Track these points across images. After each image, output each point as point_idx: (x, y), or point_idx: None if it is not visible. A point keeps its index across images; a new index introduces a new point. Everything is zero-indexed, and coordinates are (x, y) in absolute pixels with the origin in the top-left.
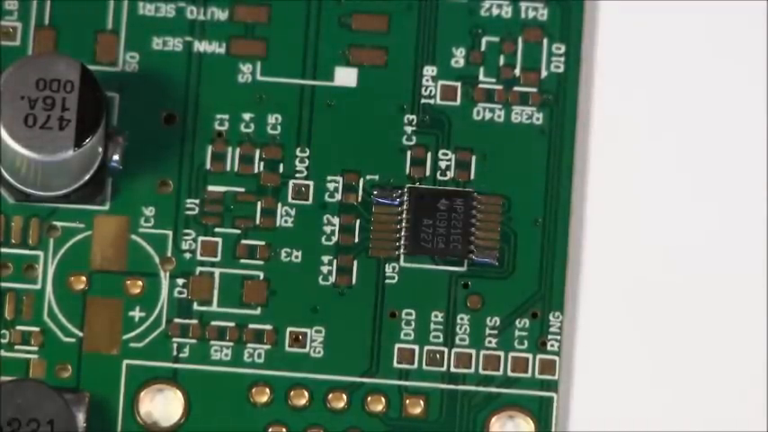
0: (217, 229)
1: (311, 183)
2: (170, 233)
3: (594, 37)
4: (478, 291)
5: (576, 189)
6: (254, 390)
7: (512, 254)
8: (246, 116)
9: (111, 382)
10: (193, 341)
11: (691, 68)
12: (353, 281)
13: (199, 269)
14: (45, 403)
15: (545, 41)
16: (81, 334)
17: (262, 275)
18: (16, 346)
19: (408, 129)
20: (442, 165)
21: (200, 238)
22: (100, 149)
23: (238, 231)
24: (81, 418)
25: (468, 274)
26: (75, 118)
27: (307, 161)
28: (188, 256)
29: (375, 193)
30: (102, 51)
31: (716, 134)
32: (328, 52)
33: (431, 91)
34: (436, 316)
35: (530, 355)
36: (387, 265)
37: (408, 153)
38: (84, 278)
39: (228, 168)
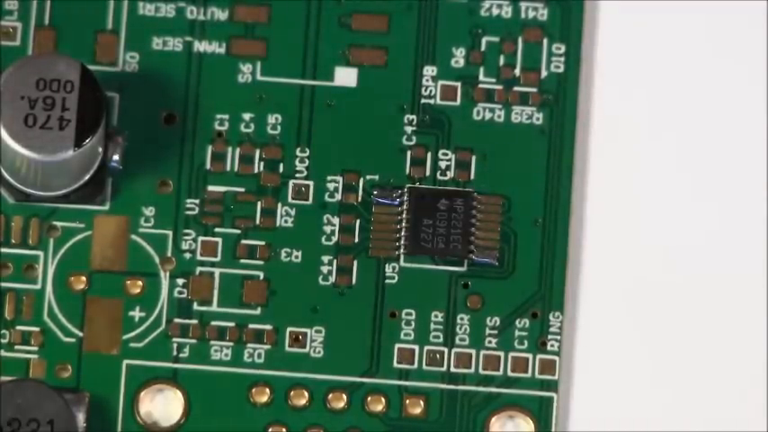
0: (217, 229)
1: (311, 183)
2: (170, 233)
3: (594, 37)
4: (478, 291)
5: (576, 189)
6: (254, 390)
7: (512, 254)
8: (246, 116)
9: (111, 382)
10: (193, 341)
11: (691, 68)
12: (353, 281)
13: (199, 269)
14: (45, 403)
15: (545, 41)
16: (81, 334)
17: (262, 275)
18: (16, 346)
19: (408, 129)
20: (442, 165)
21: (200, 238)
22: (100, 149)
23: (238, 231)
24: (81, 418)
25: (468, 274)
26: (75, 118)
27: (307, 161)
28: (188, 256)
29: (375, 193)
30: (102, 51)
31: (716, 134)
32: (328, 52)
33: (431, 91)
34: (436, 316)
35: (530, 355)
36: (387, 265)
37: (408, 153)
38: (84, 278)
39: (228, 168)
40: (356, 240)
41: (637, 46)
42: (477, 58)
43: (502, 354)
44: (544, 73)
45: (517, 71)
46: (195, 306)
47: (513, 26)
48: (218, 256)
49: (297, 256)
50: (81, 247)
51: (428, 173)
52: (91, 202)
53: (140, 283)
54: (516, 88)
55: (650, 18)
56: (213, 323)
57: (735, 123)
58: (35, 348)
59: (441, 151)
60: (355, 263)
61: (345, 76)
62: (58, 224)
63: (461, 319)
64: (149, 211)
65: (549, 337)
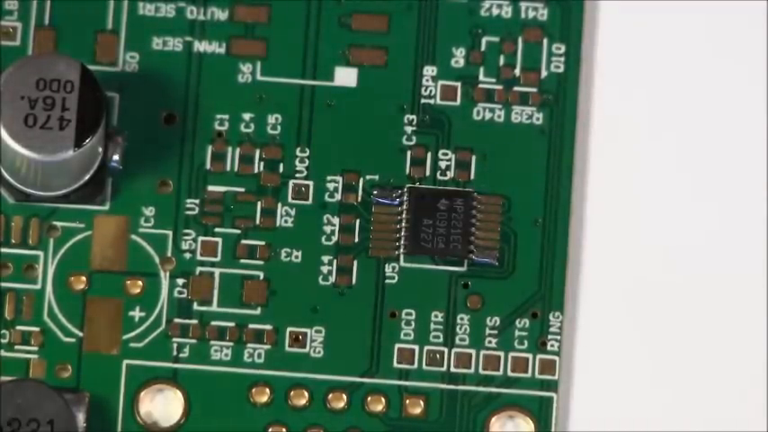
0: (217, 229)
1: (311, 183)
2: (170, 233)
3: (594, 37)
4: (478, 291)
5: (576, 189)
6: (254, 390)
7: (512, 254)
8: (246, 116)
9: (111, 382)
10: (193, 341)
11: (691, 68)
12: (353, 281)
13: (199, 269)
14: (45, 403)
15: (545, 41)
16: (81, 334)
17: (262, 275)
18: (16, 346)
19: (408, 129)
20: (442, 165)
21: (200, 238)
22: (100, 149)
23: (238, 231)
24: (81, 418)
25: (468, 274)
26: (75, 118)
27: (307, 161)
28: (188, 256)
29: (375, 193)
30: (102, 51)
31: (716, 134)
32: (328, 52)
33: (431, 91)
34: (436, 316)
35: (530, 355)
36: (387, 265)
37: (408, 153)
38: (84, 278)
39: (228, 168)
40: (356, 240)
41: (637, 46)
42: (477, 58)
43: (502, 354)
44: (544, 73)
45: (517, 71)
46: (195, 306)
47: (513, 26)
48: (218, 256)
49: (297, 256)
50: (81, 247)
51: (428, 173)
52: (91, 202)
53: (140, 283)
54: (516, 88)
55: (650, 18)
56: (213, 323)
57: (735, 123)
58: (35, 348)
59: (441, 151)
60: (355, 263)
61: (345, 76)
62: (58, 224)
63: (461, 319)
64: (149, 211)
65: (549, 337)
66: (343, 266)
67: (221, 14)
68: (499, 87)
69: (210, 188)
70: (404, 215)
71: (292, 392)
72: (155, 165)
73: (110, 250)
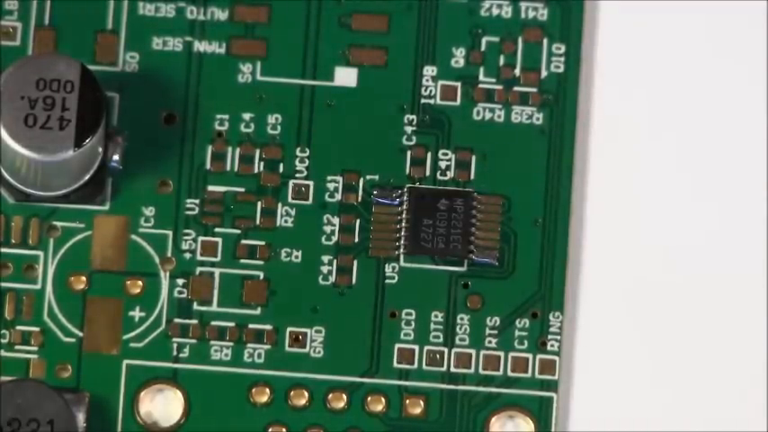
0: (217, 229)
1: (311, 183)
2: (170, 233)
3: (594, 37)
4: (478, 291)
5: (576, 189)
6: (254, 390)
7: (512, 254)
8: (246, 116)
9: (111, 382)
10: (193, 341)
11: (691, 68)
12: (353, 281)
13: (199, 269)
14: (45, 403)
15: (545, 41)
16: (81, 334)
17: (262, 275)
18: (16, 346)
19: (408, 129)
20: (442, 165)
21: (200, 238)
22: (100, 149)
23: (238, 231)
24: (81, 418)
25: (468, 274)
26: (75, 118)
27: (307, 161)
28: (188, 256)
29: (375, 193)
30: (102, 51)
31: (716, 134)
32: (328, 52)
33: (431, 91)
34: (436, 316)
35: (530, 355)
36: (387, 265)
37: (408, 153)
38: (84, 278)
39: (228, 168)
40: (356, 240)
41: (637, 46)
42: (477, 58)
43: (502, 354)
44: (544, 73)
45: (517, 71)
46: (195, 306)
47: (513, 26)
48: (218, 256)
49: (297, 256)
50: (81, 247)
51: (428, 173)
52: (91, 202)
53: (140, 283)
54: (516, 88)
55: (650, 18)
56: (213, 323)
57: (735, 123)
58: (35, 348)
59: (441, 151)
60: (355, 263)
61: (345, 76)
62: (58, 224)
63: (461, 319)
64: (149, 211)
65: (549, 337)
66: (343, 266)
67: (221, 14)
68: (499, 87)
69: (210, 188)
70: (404, 215)
71: (292, 392)
72: (155, 165)
73: (110, 250)
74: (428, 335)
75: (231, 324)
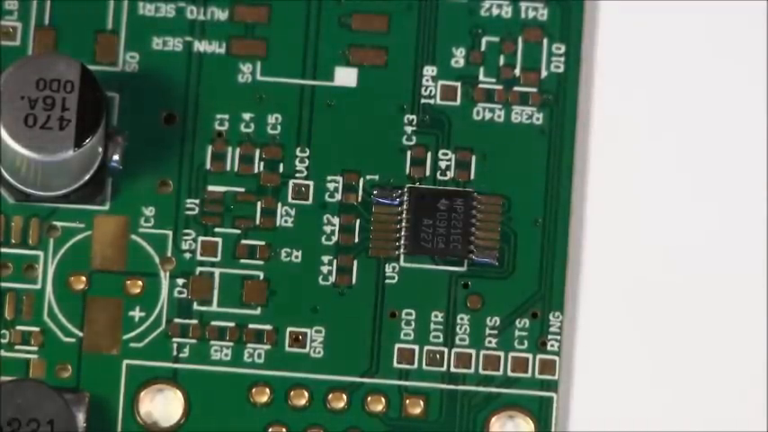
0: (217, 229)
1: (311, 183)
2: (170, 233)
3: (594, 37)
4: (478, 291)
5: (576, 189)
6: (254, 390)
7: (512, 254)
8: (246, 116)
9: (111, 382)
10: (193, 341)
11: (691, 68)
12: (353, 281)
13: (199, 269)
14: (45, 403)
15: (545, 41)
16: (81, 334)
17: (262, 275)
18: (16, 346)
19: (408, 129)
20: (442, 165)
21: (200, 238)
22: (100, 149)
23: (238, 231)
24: (81, 418)
25: (468, 274)
26: (75, 118)
27: (307, 161)
28: (188, 256)
29: (375, 193)
30: (102, 51)
31: (716, 134)
32: (328, 52)
33: (431, 91)
34: (436, 316)
35: (530, 355)
36: (387, 265)
37: (408, 153)
38: (84, 278)
39: (228, 168)
40: (356, 240)
41: (637, 46)
42: (477, 58)
43: (502, 354)
44: (544, 73)
45: (517, 71)
46: (195, 306)
47: (513, 26)
48: (218, 256)
49: (297, 256)
50: (81, 247)
51: (428, 173)
52: (91, 202)
53: (140, 283)
54: (516, 88)
55: (650, 18)
56: (213, 323)
57: (735, 123)
58: (35, 348)
59: (441, 151)
60: (355, 263)
61: (345, 76)
62: (58, 224)
63: (461, 319)
64: (149, 211)
65: (549, 337)
66: (343, 266)
67: (221, 14)
68: (499, 87)
69: (210, 188)
70: (404, 215)
71: (292, 392)
72: (155, 165)
73: (110, 250)
74: (428, 335)
75: (231, 324)
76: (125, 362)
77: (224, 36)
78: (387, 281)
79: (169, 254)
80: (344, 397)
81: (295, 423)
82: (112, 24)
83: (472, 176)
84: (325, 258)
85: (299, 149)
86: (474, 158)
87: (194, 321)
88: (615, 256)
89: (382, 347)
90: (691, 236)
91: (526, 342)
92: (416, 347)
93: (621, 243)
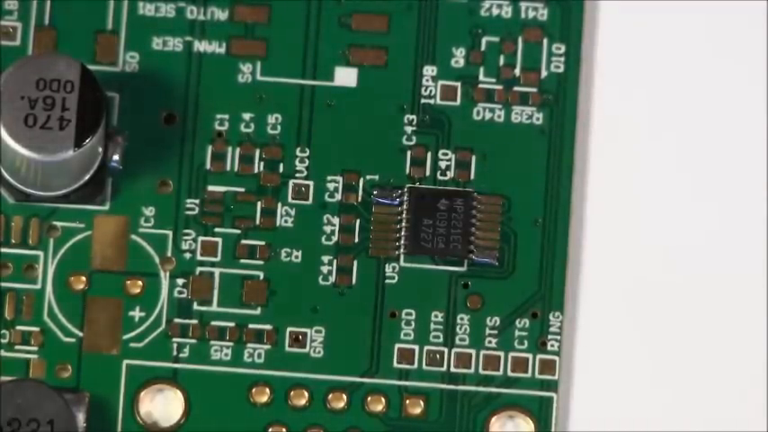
0: (217, 229)
1: (311, 183)
2: (170, 233)
3: (594, 37)
4: (478, 291)
5: (576, 189)
6: (254, 390)
7: (512, 254)
8: (246, 116)
9: (111, 382)
10: (193, 341)
11: (691, 68)
12: (353, 281)
13: (199, 269)
14: (45, 403)
15: (545, 41)
16: (81, 334)
17: (262, 275)
18: (16, 346)
19: (408, 129)
20: (442, 165)
21: (200, 238)
22: (100, 149)
23: (238, 231)
24: (81, 418)
25: (468, 274)
26: (75, 118)
27: (307, 161)
28: (188, 256)
29: (375, 193)
30: (102, 51)
31: (716, 134)
32: (328, 52)
33: (431, 91)
34: (436, 316)
35: (530, 355)
36: (387, 265)
37: (408, 153)
38: (84, 278)
39: (228, 168)
40: (356, 240)
41: (637, 46)
42: (477, 58)
43: (502, 354)
44: (544, 73)
45: (517, 71)
46: (195, 306)
47: (513, 26)
48: (218, 256)
49: (297, 256)
50: (81, 247)
51: (428, 173)
52: (91, 202)
53: (140, 283)
54: (516, 88)
55: (650, 18)
56: (213, 323)
57: (735, 123)
58: (35, 348)
59: (441, 151)
60: (355, 263)
61: (345, 76)
62: (58, 224)
63: (461, 319)
64: (149, 211)
65: (549, 337)
66: (343, 266)
67: (221, 14)
68: (499, 87)
69: (210, 188)
70: (404, 215)
71: (292, 392)
72: (155, 165)
73: (110, 250)
74: (428, 335)
75: (231, 324)
76: (125, 362)
77: (224, 36)
78: (387, 281)
79: (169, 254)
80: (344, 397)
81: (295, 423)
82: (112, 24)
83: (472, 176)
84: (325, 258)
85: (299, 149)
86: (474, 158)
87: (194, 321)
88: (615, 256)
89: (382, 347)
90: (691, 236)
91: (526, 342)
92: (416, 347)
93: (621, 243)
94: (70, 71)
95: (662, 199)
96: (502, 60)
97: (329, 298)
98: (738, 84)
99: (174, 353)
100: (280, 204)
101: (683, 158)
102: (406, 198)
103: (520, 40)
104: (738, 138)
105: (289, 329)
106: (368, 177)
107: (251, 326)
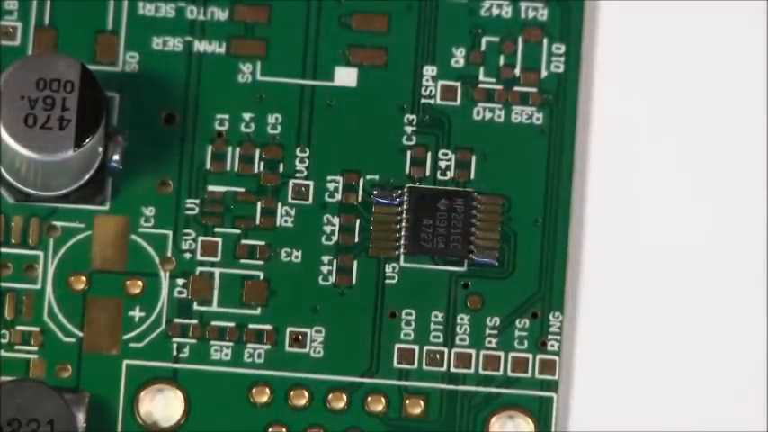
0: (217, 229)
1: (311, 183)
2: (170, 233)
3: (594, 37)
4: (478, 291)
5: (576, 189)
6: (254, 390)
7: (512, 254)
8: (246, 116)
9: (111, 382)
10: (193, 341)
11: (691, 68)
12: (353, 281)
13: (199, 269)
14: (45, 403)
15: (545, 41)
16: (81, 334)
17: (262, 275)
18: (16, 346)
19: (408, 129)
20: (442, 165)
21: (200, 238)
22: (100, 149)
23: (238, 231)
24: (81, 418)
25: (468, 274)
26: (75, 118)
27: (307, 161)
28: (188, 256)
29: (375, 193)
30: (102, 51)
31: (716, 134)
32: (328, 52)
33: (431, 91)
34: (436, 316)
35: (530, 355)
36: (387, 265)
37: (408, 153)
38: (84, 278)
39: (228, 168)
40: (356, 240)
41: (637, 46)
42: (477, 58)
43: (502, 354)
44: (544, 73)
45: (517, 71)
46: (195, 306)
47: (513, 26)
48: (218, 256)
49: (297, 256)
50: (81, 247)
51: (428, 173)
52: (91, 202)
53: (140, 283)
54: (516, 88)
55: (650, 18)
56: (213, 323)
57: (735, 123)
58: (35, 348)
59: (441, 151)
60: (355, 263)
61: (345, 76)
62: (58, 224)
63: (461, 319)
64: (149, 211)
65: (549, 337)
66: (343, 266)
67: (221, 14)
68: (499, 87)
69: (210, 188)
70: (404, 215)
71: (292, 392)
72: (155, 165)
73: (110, 250)
74: (428, 335)
75: (231, 324)
76: (125, 362)
77: (224, 36)
78: (387, 281)
79: (169, 254)
80: (344, 397)
81: (295, 423)
82: (112, 24)
83: (472, 176)
84: (325, 258)
85: (299, 149)
86: (474, 158)
87: (194, 321)
88: (615, 256)
89: (382, 347)
90: (691, 236)
91: (526, 342)
92: (416, 347)
93: (621, 243)
94: (70, 71)
95: (662, 199)
96: (502, 60)
97: (329, 298)
98: (738, 84)
99: (174, 353)
100: (280, 204)
101: (683, 158)
102: (406, 198)
103: (520, 40)
104: (738, 138)
105: (289, 329)
106: (368, 177)
107: (251, 326)
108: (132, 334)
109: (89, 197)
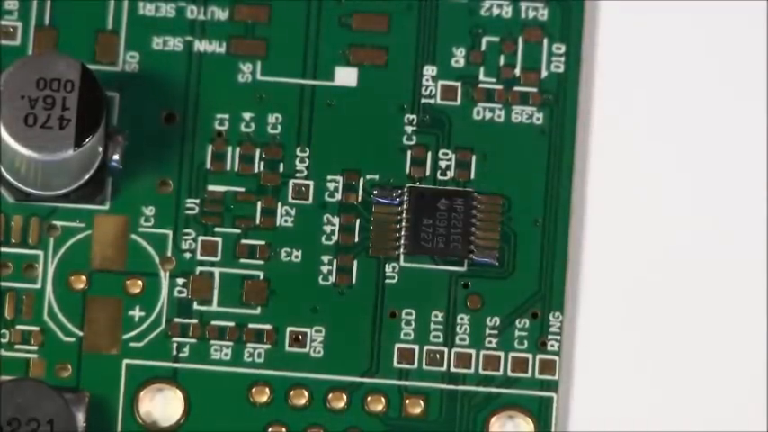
0: (217, 229)
1: (311, 183)
2: (170, 233)
3: (594, 37)
4: (478, 291)
5: (576, 189)
6: (254, 390)
7: (512, 254)
8: (246, 116)
9: (111, 382)
10: (193, 341)
11: (691, 68)
12: (353, 281)
13: (199, 269)
14: (45, 403)
15: (545, 41)
16: (81, 333)
17: (262, 275)
18: (16, 346)
19: (408, 129)
20: (442, 165)
21: (200, 238)
22: (100, 149)
23: (238, 231)
24: (81, 417)
25: (468, 274)
26: (75, 117)
27: (307, 161)
28: (188, 255)
29: (375, 192)
30: (102, 51)
31: (716, 134)
32: (328, 52)
33: (431, 91)
34: (436, 316)
35: (530, 355)
36: (387, 265)
37: (408, 153)
38: (84, 278)
39: (228, 168)
40: (356, 240)
41: (637, 46)
42: (477, 58)
43: (502, 354)
44: (544, 73)
45: (517, 71)
46: (195, 306)
47: (513, 26)
48: (218, 255)
49: (297, 256)
50: (81, 247)
51: (428, 173)
52: (91, 202)
53: (140, 282)
54: (516, 88)
55: (650, 18)
56: (213, 323)
57: (735, 123)
58: (35, 348)
59: (441, 151)
60: (355, 263)
61: (345, 76)
62: (58, 224)
63: (461, 319)
64: (149, 211)
65: (549, 337)
66: (343, 266)
67: (221, 14)
68: (499, 87)
69: (210, 188)
70: (404, 215)
71: (292, 392)
72: (155, 165)
73: (110, 250)
74: (428, 335)
75: (231, 324)
76: (125, 361)
77: (224, 36)
78: (387, 281)
79: (169, 254)
80: (344, 397)
81: (295, 423)
82: (112, 24)
83: (472, 176)
84: (325, 258)
85: (299, 149)
86: (474, 158)
87: (194, 321)
88: (615, 256)
89: (382, 347)
90: (691, 236)
91: (526, 342)
92: (416, 347)
93: (621, 243)
94: (70, 71)
95: (662, 199)
96: (502, 60)
97: (329, 298)
98: (738, 84)
99: (174, 352)
100: (280, 204)
101: (682, 158)
102: (406, 198)
103: (520, 40)
104: (738, 138)
105: (289, 329)
106: (368, 177)
107: (251, 325)
108: (132, 333)
109: (89, 197)
